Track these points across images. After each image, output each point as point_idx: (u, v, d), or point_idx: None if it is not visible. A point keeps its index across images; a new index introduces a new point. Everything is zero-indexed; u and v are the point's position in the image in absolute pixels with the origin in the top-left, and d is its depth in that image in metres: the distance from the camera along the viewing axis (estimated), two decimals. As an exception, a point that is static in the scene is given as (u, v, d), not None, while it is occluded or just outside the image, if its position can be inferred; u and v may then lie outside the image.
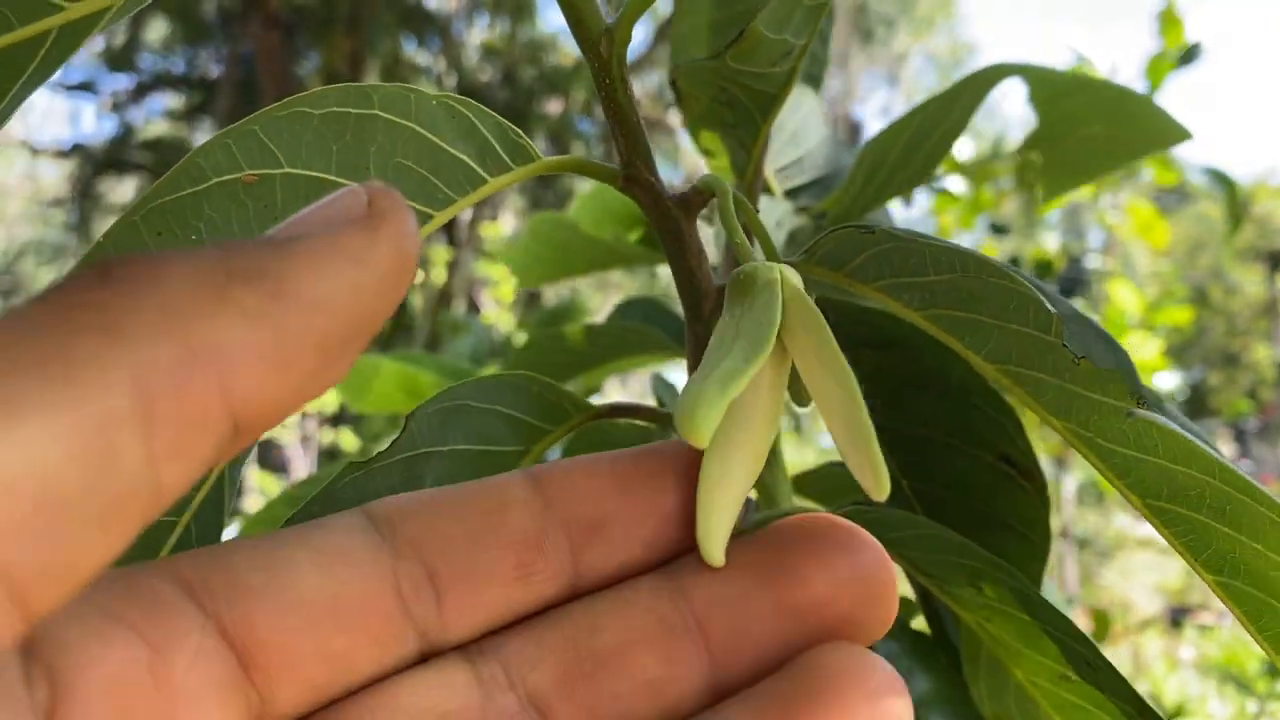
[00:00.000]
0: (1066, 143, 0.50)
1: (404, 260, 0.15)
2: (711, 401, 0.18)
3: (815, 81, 0.50)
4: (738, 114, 0.33)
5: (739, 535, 0.20)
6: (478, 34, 9.50)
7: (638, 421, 0.36)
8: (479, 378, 0.27)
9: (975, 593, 0.30)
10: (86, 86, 9.57)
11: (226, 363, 0.13)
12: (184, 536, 0.23)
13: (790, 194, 0.45)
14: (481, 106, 0.24)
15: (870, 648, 0.42)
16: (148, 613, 0.15)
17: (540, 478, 0.19)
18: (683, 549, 0.20)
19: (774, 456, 0.40)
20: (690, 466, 0.20)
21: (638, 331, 0.49)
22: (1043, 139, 0.50)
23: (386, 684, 0.18)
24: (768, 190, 0.45)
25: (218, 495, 0.24)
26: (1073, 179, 0.52)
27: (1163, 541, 0.24)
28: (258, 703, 0.16)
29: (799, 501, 0.44)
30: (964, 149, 1.97)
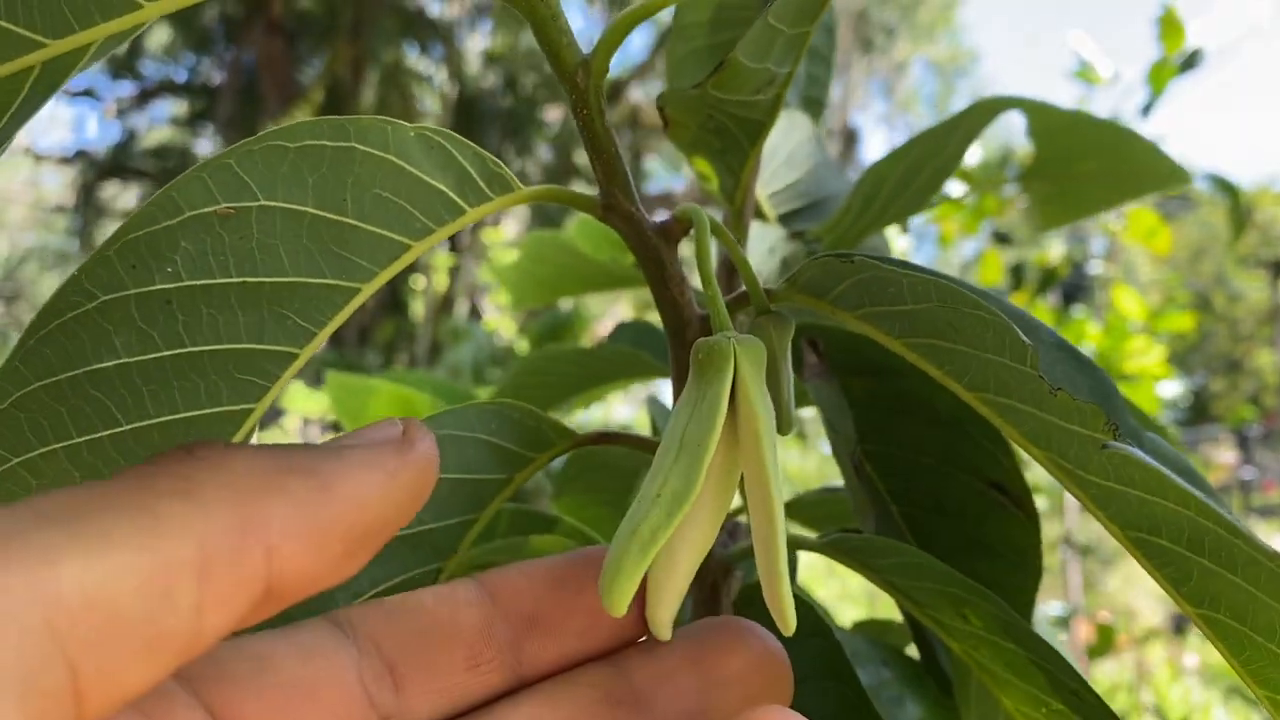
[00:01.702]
0: (1064, 177, 0.50)
1: (425, 478, 0.19)
2: (628, 575, 0.20)
3: (816, 105, 0.50)
4: (725, 141, 0.33)
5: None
6: (480, 41, 9.52)
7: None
8: (462, 406, 0.27)
9: (961, 621, 0.30)
10: (89, 93, 9.60)
11: (273, 536, 0.16)
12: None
13: (784, 219, 0.45)
14: (459, 137, 0.24)
15: (863, 672, 0.42)
16: None
17: (484, 581, 0.22)
18: (616, 637, 0.23)
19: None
20: None
21: (627, 355, 0.49)
22: (1041, 171, 0.50)
23: None
24: (761, 215, 0.45)
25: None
26: (1070, 212, 0.52)
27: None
28: None
29: (791, 528, 0.44)
30: (971, 155, 1.96)
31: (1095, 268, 2.62)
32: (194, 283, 0.22)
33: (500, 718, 0.21)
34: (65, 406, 0.22)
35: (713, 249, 0.45)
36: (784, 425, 0.26)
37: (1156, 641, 3.42)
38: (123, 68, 9.19)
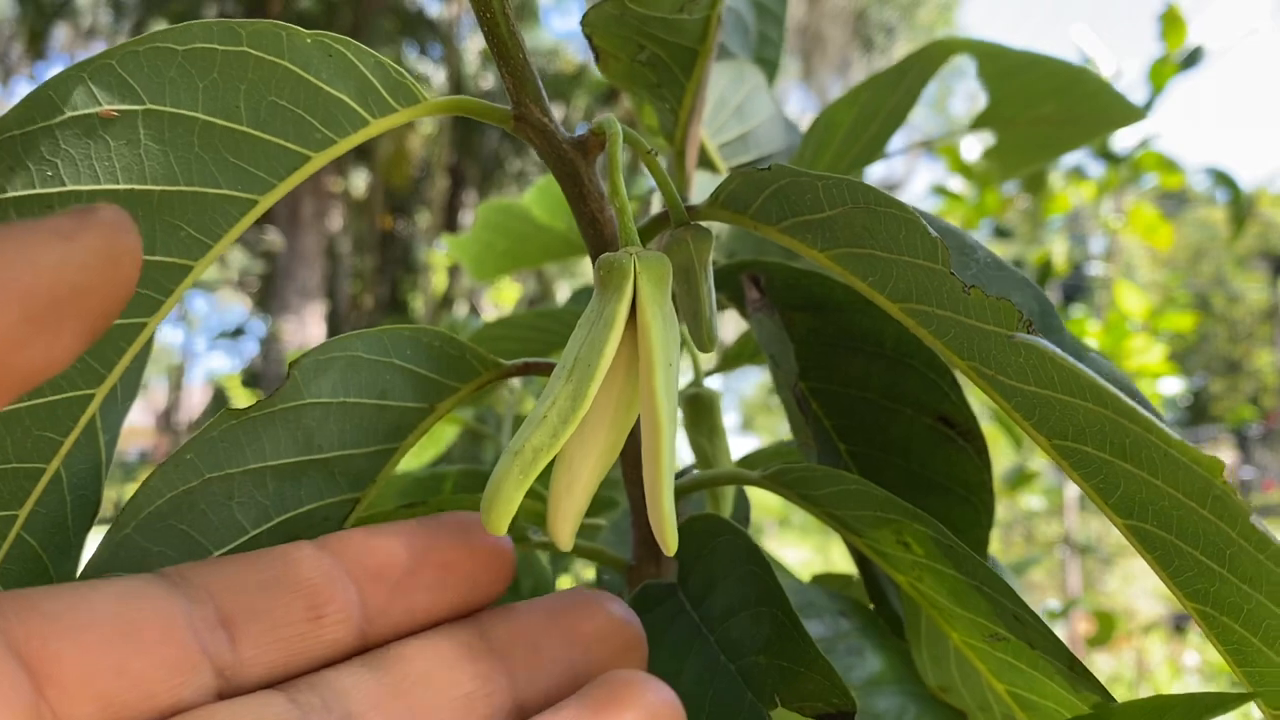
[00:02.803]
0: (1019, 123, 0.49)
1: (113, 244, 0.16)
2: (508, 494, 0.20)
3: (769, 66, 0.49)
4: (660, 74, 0.32)
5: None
6: (479, 41, 9.54)
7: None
8: (374, 330, 0.26)
9: (903, 549, 0.29)
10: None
11: None
12: (54, 484, 0.22)
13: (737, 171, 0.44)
14: (360, 45, 0.24)
15: (820, 624, 0.40)
16: None
17: (326, 542, 0.22)
18: (471, 593, 0.23)
19: (714, 430, 0.39)
20: (478, 525, 0.23)
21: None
22: (994, 118, 0.49)
23: (200, 710, 0.18)
24: (711, 166, 0.44)
25: (90, 440, 0.23)
26: (1026, 159, 0.51)
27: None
28: (51, 716, 0.17)
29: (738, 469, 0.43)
30: (971, 151, 1.96)
31: (1095, 268, 2.61)
32: (78, 188, 0.21)
33: (351, 675, 0.20)
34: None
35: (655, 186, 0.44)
36: (705, 340, 0.25)
37: (1157, 640, 3.41)
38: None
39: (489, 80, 9.28)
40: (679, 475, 0.34)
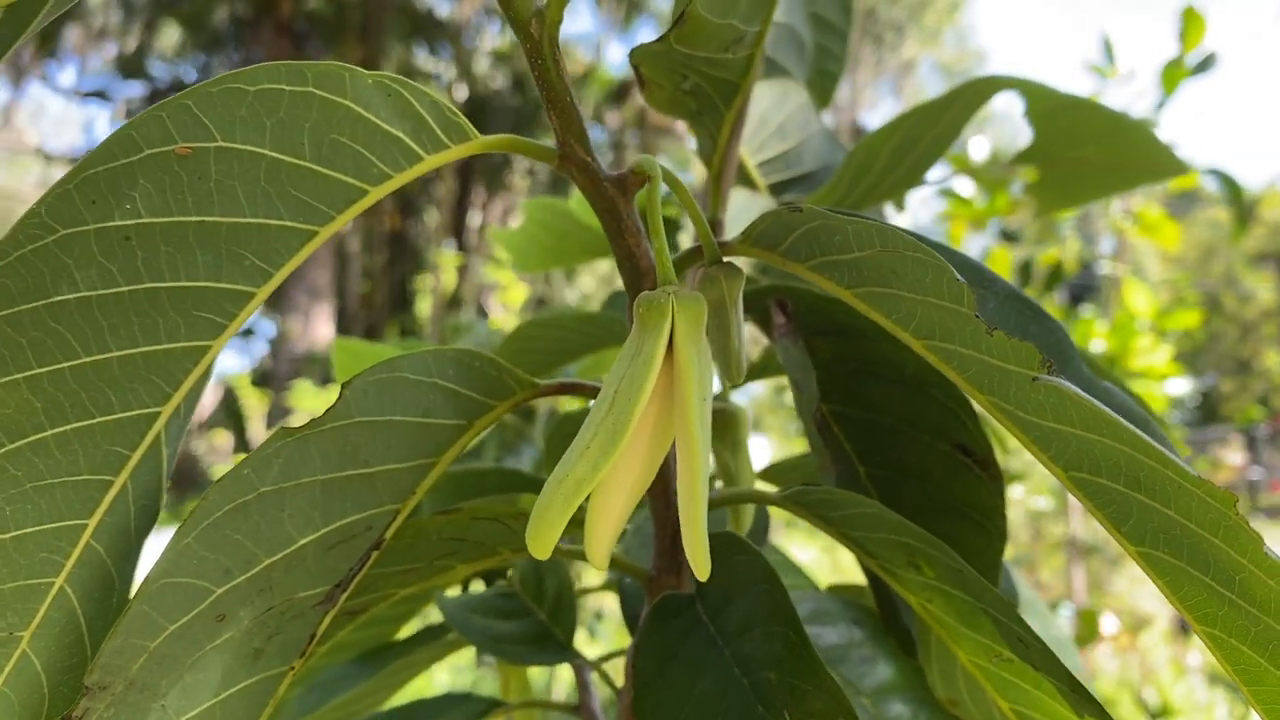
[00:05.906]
0: (1061, 163, 0.50)
1: None
2: (552, 521, 0.22)
3: (829, 78, 0.50)
4: (701, 102, 0.33)
5: None
6: (489, 40, 9.55)
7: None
8: (417, 351, 0.27)
9: (915, 572, 0.30)
10: (100, 94, 9.65)
11: None
12: (120, 495, 0.24)
13: (774, 189, 0.45)
14: (417, 85, 0.25)
15: (833, 632, 0.42)
16: None
17: None
18: None
19: (737, 445, 0.40)
20: None
21: (623, 322, 0.50)
22: (1038, 155, 0.50)
23: None
24: (750, 184, 0.45)
25: (155, 454, 0.24)
26: (1066, 199, 0.52)
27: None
28: None
29: (760, 486, 0.45)
30: (979, 151, 1.96)
31: (1104, 268, 2.61)
32: (153, 220, 0.23)
33: None
34: (26, 338, 0.22)
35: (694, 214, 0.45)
36: (733, 374, 0.26)
37: (1161, 641, 3.41)
38: (132, 69, 9.23)
39: (498, 80, 9.29)
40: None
